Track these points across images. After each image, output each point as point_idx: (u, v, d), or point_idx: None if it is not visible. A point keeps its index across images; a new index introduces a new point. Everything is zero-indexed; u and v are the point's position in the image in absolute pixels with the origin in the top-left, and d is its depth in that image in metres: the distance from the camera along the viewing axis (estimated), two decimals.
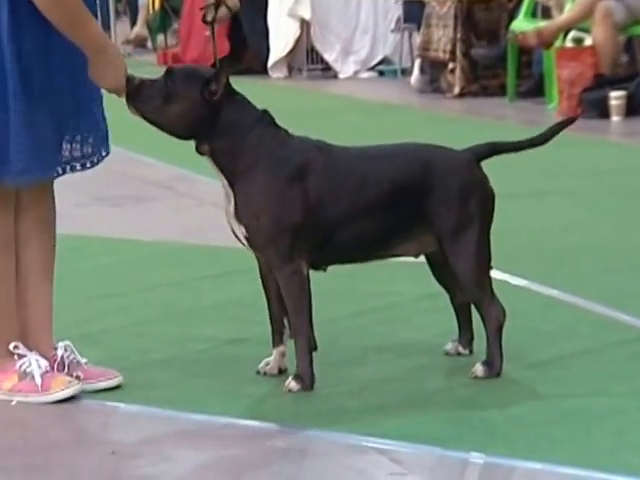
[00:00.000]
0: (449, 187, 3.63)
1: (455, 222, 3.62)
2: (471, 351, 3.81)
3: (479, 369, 3.63)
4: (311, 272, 3.64)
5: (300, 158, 3.59)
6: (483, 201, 3.66)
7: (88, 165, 3.70)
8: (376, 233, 3.66)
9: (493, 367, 3.63)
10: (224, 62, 3.61)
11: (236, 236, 3.62)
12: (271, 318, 3.70)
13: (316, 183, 3.58)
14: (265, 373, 3.71)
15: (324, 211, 3.59)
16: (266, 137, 3.59)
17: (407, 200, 3.64)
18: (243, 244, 3.63)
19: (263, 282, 3.69)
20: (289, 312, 3.62)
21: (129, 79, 3.55)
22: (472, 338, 3.81)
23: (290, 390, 3.57)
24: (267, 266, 3.63)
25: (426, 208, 3.63)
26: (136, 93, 3.55)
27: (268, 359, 3.72)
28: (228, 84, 3.57)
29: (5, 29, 3.42)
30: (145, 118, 3.59)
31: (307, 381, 3.58)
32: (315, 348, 3.66)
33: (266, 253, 3.60)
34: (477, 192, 3.66)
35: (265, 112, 3.63)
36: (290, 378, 3.59)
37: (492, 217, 3.67)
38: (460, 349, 3.82)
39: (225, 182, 3.60)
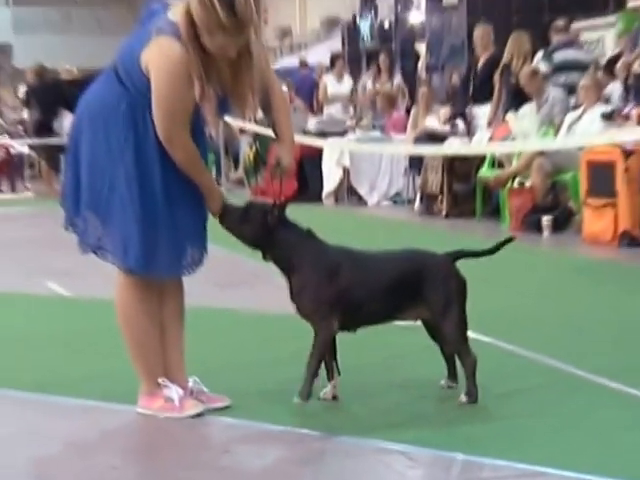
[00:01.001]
0: (436, 278, 3.62)
1: (442, 301, 3.61)
2: (457, 383, 3.76)
3: (463, 398, 3.61)
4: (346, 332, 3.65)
5: (333, 260, 3.59)
6: (459, 287, 3.64)
7: (200, 266, 3.66)
8: (387, 308, 3.65)
9: (472, 396, 3.60)
10: (280, 202, 3.61)
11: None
12: (326, 362, 3.67)
13: (345, 277, 3.57)
14: (324, 399, 3.68)
15: (351, 295, 3.57)
16: (309, 247, 3.58)
17: (408, 286, 3.62)
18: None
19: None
20: (310, 354, 3.57)
21: (224, 204, 3.58)
22: (456, 376, 3.77)
23: (294, 402, 3.55)
24: (314, 329, 3.62)
25: (421, 292, 3.61)
26: (225, 214, 3.57)
27: (326, 389, 3.69)
28: (282, 215, 3.57)
29: (158, 172, 3.46)
30: (228, 231, 3.60)
31: (305, 396, 3.55)
32: (339, 374, 3.65)
33: (309, 321, 3.60)
34: (455, 281, 3.65)
35: (309, 230, 3.63)
36: (297, 393, 3.56)
37: (466, 297, 3.65)
38: (450, 383, 3.79)
39: (284, 276, 3.61)
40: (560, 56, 9.73)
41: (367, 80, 14.17)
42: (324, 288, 3.54)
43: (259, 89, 3.53)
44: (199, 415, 3.55)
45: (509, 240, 3.84)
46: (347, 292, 3.56)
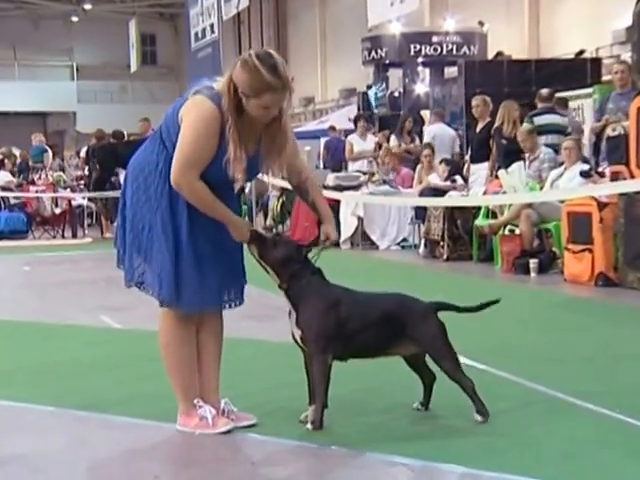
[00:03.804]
0: (419, 320, 3.58)
1: (427, 338, 3.59)
2: (427, 409, 3.74)
3: (477, 417, 3.57)
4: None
5: (335, 296, 3.57)
6: (441, 329, 3.59)
7: (238, 303, 3.69)
8: (377, 342, 3.61)
9: (484, 414, 3.57)
10: (308, 247, 3.62)
11: (294, 337, 3.59)
12: (309, 387, 3.61)
13: (343, 311, 3.54)
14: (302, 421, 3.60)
15: (347, 327, 3.54)
16: (316, 284, 3.57)
17: (396, 325, 3.58)
18: (297, 342, 3.59)
19: (305, 366, 3.63)
20: (315, 384, 3.53)
21: (254, 232, 3.53)
22: (428, 403, 3.74)
23: (307, 428, 3.51)
24: (309, 356, 3.58)
25: (407, 330, 3.58)
26: (254, 239, 3.53)
27: (306, 413, 3.60)
28: (306, 254, 3.58)
29: (186, 217, 3.45)
30: (256, 256, 3.54)
31: (317, 424, 3.52)
32: (326, 406, 3.55)
33: (310, 348, 3.55)
34: (434, 322, 3.59)
35: (319, 270, 3.61)
36: (309, 422, 3.52)
37: (446, 333, 3.59)
38: (419, 407, 3.74)
39: (290, 305, 3.58)
40: (542, 120, 9.78)
41: (383, 140, 14.06)
42: (326, 321, 3.51)
43: (288, 160, 3.51)
44: (229, 432, 3.55)
45: (494, 302, 3.75)
46: (343, 325, 3.52)
